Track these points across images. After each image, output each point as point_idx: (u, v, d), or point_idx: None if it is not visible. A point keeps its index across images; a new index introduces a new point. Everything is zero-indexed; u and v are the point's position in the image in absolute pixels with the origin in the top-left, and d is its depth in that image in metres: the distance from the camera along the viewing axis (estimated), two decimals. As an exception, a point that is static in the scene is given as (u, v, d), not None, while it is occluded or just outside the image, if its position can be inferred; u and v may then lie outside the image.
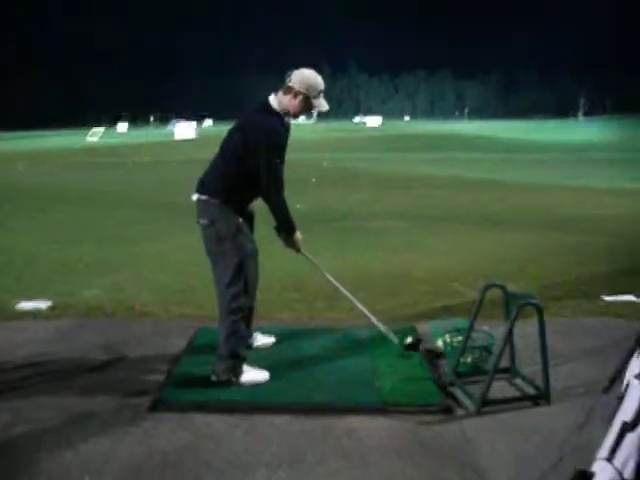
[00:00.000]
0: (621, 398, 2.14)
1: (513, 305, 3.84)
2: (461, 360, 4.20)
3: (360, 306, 4.64)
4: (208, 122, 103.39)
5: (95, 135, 61.58)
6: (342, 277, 4.78)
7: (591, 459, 2.07)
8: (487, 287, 4.12)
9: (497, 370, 3.81)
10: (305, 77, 4.05)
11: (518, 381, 4.14)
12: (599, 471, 2.02)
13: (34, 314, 5.69)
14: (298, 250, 4.36)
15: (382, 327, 4.59)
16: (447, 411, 3.73)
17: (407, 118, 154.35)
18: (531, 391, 3.97)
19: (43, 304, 5.91)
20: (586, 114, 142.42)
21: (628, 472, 1.98)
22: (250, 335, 4.55)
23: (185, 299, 6.08)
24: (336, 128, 69.84)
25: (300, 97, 4.04)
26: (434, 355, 4.56)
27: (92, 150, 42.76)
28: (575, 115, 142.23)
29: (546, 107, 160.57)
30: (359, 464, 3.18)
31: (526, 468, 3.12)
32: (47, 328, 5.29)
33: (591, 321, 5.38)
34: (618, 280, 6.56)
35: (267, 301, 5.67)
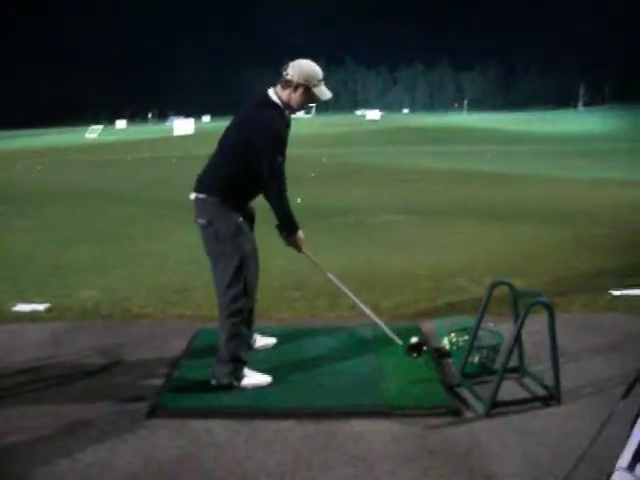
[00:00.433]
0: None
1: (521, 303, 3.72)
2: (468, 360, 4.08)
3: (363, 306, 4.52)
4: (206, 118, 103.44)
5: (94, 132, 61.59)
6: (343, 274, 4.68)
7: (608, 467, 1.97)
8: (494, 285, 4.00)
9: (506, 370, 3.70)
10: (303, 67, 3.89)
11: (527, 381, 4.02)
12: None
13: (31, 316, 5.58)
14: (300, 249, 4.23)
15: (386, 328, 4.47)
16: (455, 414, 3.60)
17: (406, 111, 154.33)
18: (541, 391, 3.84)
19: (40, 306, 5.80)
20: (586, 104, 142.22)
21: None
22: (250, 337, 4.42)
23: (183, 299, 5.95)
24: (335, 122, 69.61)
25: (300, 89, 3.88)
26: (439, 354, 4.45)
27: (91, 147, 42.68)
28: (575, 106, 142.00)
29: (546, 98, 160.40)
30: (365, 471, 3.06)
31: (539, 473, 3.00)
32: (44, 331, 5.17)
33: (600, 317, 5.26)
34: (626, 274, 6.42)
35: (266, 300, 5.55)
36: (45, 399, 3.93)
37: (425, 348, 4.42)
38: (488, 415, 3.57)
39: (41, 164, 26.94)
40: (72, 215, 12.21)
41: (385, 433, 3.41)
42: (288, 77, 3.86)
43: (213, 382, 3.96)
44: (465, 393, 3.86)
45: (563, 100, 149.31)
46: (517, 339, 3.76)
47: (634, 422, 2.05)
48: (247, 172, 3.89)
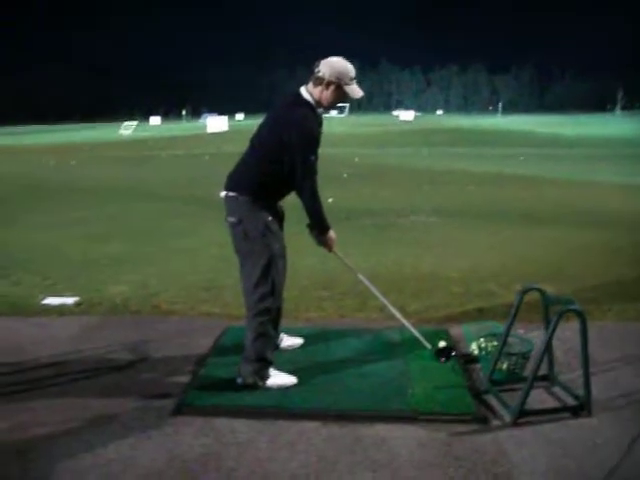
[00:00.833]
0: None
1: (552, 310, 3.64)
2: (497, 366, 4.01)
3: (392, 308, 4.49)
4: (240, 116, 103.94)
5: (128, 128, 62.16)
6: (373, 274, 4.64)
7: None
8: (525, 290, 3.92)
9: (535, 378, 3.62)
10: (334, 65, 3.84)
11: (556, 390, 3.94)
12: None
13: (60, 310, 5.64)
14: (330, 249, 4.20)
15: (415, 331, 4.43)
16: (482, 421, 3.54)
17: (440, 112, 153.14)
18: (570, 401, 3.76)
19: (69, 300, 5.86)
20: (624, 107, 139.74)
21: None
22: (277, 336, 4.40)
23: (212, 297, 5.97)
24: (368, 122, 69.37)
25: (332, 87, 3.84)
26: (467, 360, 4.38)
27: (125, 143, 43.10)
28: (612, 109, 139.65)
29: (582, 101, 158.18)
30: (389, 476, 3.03)
31: (567, 486, 2.94)
32: (72, 325, 5.23)
33: (633, 326, 5.13)
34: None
35: (294, 298, 5.54)
36: (71, 393, 3.97)
37: (454, 353, 4.36)
38: (515, 424, 3.50)
39: (75, 159, 27.27)
40: (103, 210, 12.33)
41: (410, 438, 3.37)
42: (320, 74, 3.82)
43: (239, 381, 3.95)
44: (492, 400, 3.80)
45: (600, 103, 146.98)
46: (548, 347, 3.68)
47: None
48: (278, 171, 3.86)
